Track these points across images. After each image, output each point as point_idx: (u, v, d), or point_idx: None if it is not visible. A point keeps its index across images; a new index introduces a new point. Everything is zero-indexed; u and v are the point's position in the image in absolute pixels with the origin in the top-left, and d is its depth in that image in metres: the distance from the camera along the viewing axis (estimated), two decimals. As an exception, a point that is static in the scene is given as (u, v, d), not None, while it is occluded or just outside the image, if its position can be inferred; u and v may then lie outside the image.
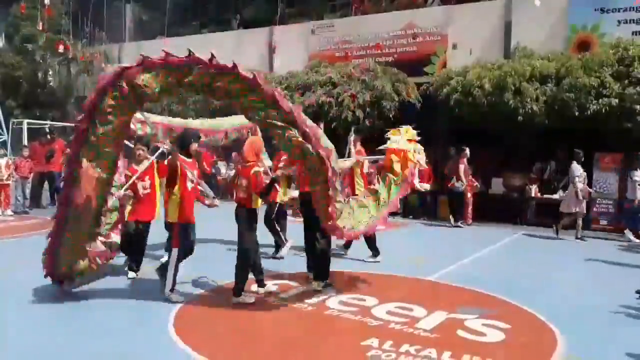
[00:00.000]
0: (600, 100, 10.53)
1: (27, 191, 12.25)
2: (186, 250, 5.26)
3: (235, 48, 16.91)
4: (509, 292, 5.86)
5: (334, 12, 17.89)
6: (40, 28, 17.86)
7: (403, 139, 6.17)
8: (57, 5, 19.52)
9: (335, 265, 7.12)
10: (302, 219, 6.20)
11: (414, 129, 6.37)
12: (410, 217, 12.69)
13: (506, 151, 12.73)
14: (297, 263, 6.79)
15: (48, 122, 17.59)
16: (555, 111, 10.99)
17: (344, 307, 5.19)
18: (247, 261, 5.25)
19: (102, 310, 5.00)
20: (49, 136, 13.63)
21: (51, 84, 19.22)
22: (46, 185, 13.10)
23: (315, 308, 5.16)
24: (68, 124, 18.20)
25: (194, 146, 5.43)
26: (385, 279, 6.57)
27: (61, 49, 17.52)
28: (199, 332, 4.45)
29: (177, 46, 18.01)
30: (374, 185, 6.30)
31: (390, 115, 12.83)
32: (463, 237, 10.57)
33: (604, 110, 10.47)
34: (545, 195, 11.85)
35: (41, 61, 19.15)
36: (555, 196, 11.59)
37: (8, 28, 20.63)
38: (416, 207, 12.87)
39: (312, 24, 16.37)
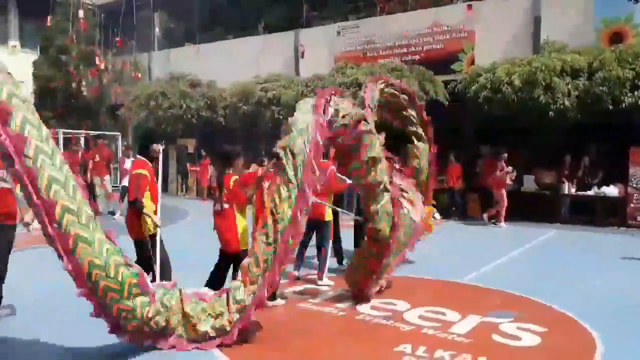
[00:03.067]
0: (636, 92, 10.25)
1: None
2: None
3: (261, 52, 17.10)
4: (544, 294, 5.75)
5: (358, 13, 17.85)
6: (72, 40, 18.42)
7: None
8: (89, 16, 20.07)
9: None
10: None
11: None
12: (441, 216, 12.57)
13: (537, 148, 12.49)
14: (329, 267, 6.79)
15: (82, 131, 18.12)
16: (588, 105, 10.73)
17: (375, 311, 5.17)
18: None
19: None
20: (82, 146, 13.98)
21: (84, 94, 19.76)
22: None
23: (346, 313, 5.17)
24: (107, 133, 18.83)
25: (157, 147, 4.92)
26: (416, 282, 6.53)
27: (97, 61, 18.14)
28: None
29: (204, 52, 18.22)
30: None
31: (418, 115, 12.80)
32: (496, 236, 10.42)
33: (639, 103, 10.19)
34: (579, 192, 11.58)
35: (75, 72, 19.70)
36: (590, 193, 11.31)
37: (44, 41, 21.30)
38: (446, 207, 12.74)
39: (337, 25, 16.38)
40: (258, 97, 15.09)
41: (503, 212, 11.26)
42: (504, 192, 11.23)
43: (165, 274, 4.71)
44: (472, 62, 13.47)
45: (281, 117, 14.67)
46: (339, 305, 5.39)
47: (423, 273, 6.85)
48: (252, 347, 4.29)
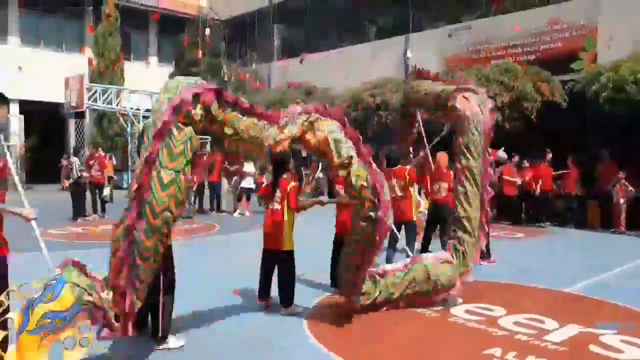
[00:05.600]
0: None
1: (192, 199, 13.90)
2: None
3: (371, 59, 17.46)
4: (659, 309, 5.40)
5: (471, 13, 17.51)
6: (200, 55, 20.37)
7: None
8: (215, 31, 22.00)
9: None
10: None
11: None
12: (555, 223, 11.97)
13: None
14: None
15: (209, 137, 19.87)
16: None
17: (469, 315, 5.23)
18: None
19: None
20: (209, 149, 15.37)
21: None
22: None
23: (439, 314, 5.29)
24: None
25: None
26: (517, 289, 6.41)
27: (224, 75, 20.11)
28: (328, 330, 4.80)
29: (320, 61, 18.91)
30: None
31: (532, 116, 12.39)
32: (613, 246, 9.73)
33: None
34: None
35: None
36: None
37: (176, 55, 23.78)
38: (562, 213, 12.12)
39: (448, 28, 16.23)
40: (366, 103, 15.47)
41: None
42: None
43: None
44: (594, 59, 12.65)
45: (388, 121, 14.91)
46: (432, 306, 5.51)
47: (526, 280, 6.70)
48: (346, 340, 4.62)
